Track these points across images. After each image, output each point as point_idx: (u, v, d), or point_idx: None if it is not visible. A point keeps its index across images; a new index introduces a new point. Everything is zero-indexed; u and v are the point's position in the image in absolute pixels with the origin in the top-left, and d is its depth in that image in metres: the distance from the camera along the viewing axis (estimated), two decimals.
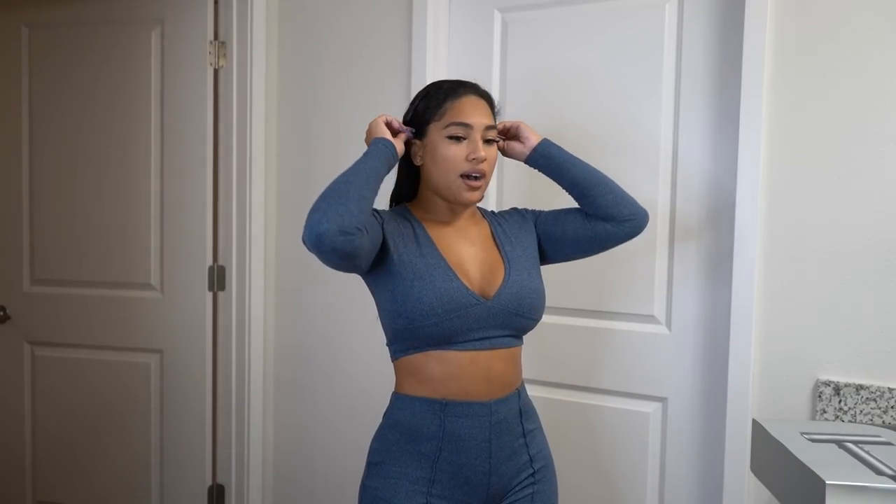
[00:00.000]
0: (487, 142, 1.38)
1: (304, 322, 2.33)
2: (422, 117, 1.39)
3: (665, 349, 1.86)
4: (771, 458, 1.22)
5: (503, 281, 1.39)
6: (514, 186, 2.03)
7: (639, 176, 1.87)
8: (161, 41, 2.33)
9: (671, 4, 1.83)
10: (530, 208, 1.57)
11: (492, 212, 1.57)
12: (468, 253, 1.41)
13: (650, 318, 1.88)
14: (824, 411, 1.63)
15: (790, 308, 1.67)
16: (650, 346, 1.87)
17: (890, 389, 1.58)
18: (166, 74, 2.33)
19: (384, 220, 1.37)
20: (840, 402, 1.62)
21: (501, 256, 1.44)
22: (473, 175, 1.36)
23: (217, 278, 2.34)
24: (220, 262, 2.34)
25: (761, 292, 1.70)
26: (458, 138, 1.35)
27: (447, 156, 1.35)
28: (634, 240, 1.89)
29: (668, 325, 1.87)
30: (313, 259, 2.39)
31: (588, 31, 1.92)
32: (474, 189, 1.37)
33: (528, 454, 1.40)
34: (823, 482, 0.99)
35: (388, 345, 1.42)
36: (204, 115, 2.30)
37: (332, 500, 2.30)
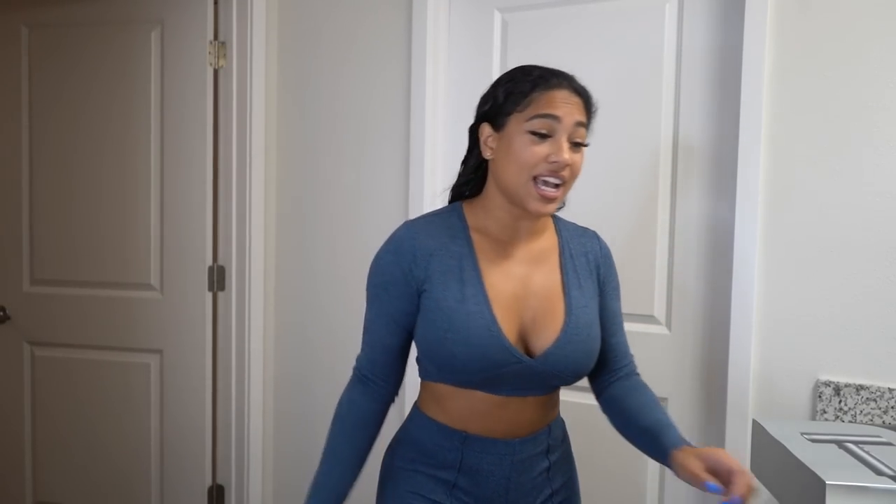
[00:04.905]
0: (575, 145, 1.16)
1: (304, 322, 2.32)
2: (502, 105, 1.18)
3: (665, 349, 1.86)
4: (771, 458, 1.22)
5: (558, 337, 1.19)
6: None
7: (638, 177, 1.87)
8: (161, 41, 2.33)
9: (671, 4, 1.83)
10: (608, 255, 1.33)
11: (572, 224, 1.33)
12: (522, 288, 1.20)
13: (650, 318, 1.88)
14: (824, 411, 1.63)
15: (790, 308, 1.67)
16: (650, 346, 1.87)
17: (890, 390, 1.57)
18: (166, 75, 2.33)
19: (417, 265, 1.19)
20: (840, 402, 1.62)
21: (564, 298, 1.22)
22: (551, 181, 1.14)
23: (217, 278, 2.34)
24: (220, 262, 2.34)
25: (761, 292, 1.70)
26: (541, 135, 1.13)
27: (524, 153, 1.14)
28: (634, 240, 1.89)
29: (668, 325, 1.86)
30: (313, 259, 2.39)
31: (588, 31, 1.92)
32: (548, 200, 1.14)
33: (551, 488, 1.28)
34: (823, 482, 0.99)
35: (416, 360, 1.28)
36: (204, 115, 2.29)
37: None
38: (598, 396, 1.33)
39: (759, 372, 1.70)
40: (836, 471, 1.03)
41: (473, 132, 1.25)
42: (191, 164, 2.32)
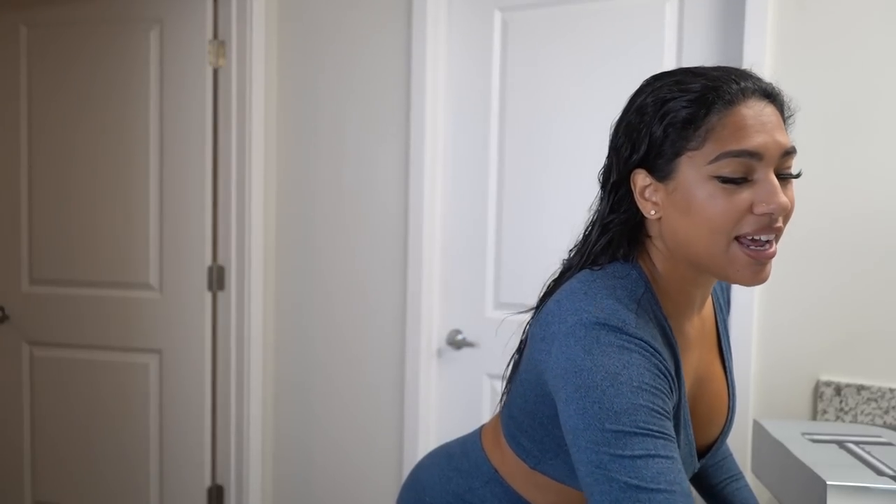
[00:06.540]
0: (782, 177, 0.80)
1: (303, 322, 2.32)
2: (663, 144, 0.82)
3: None
4: (772, 459, 1.22)
5: (722, 430, 0.98)
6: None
7: None
8: (160, 40, 2.33)
9: (671, 4, 1.83)
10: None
11: None
12: (698, 384, 0.92)
13: None
14: (825, 412, 1.63)
15: (790, 308, 1.67)
16: None
17: (891, 390, 1.57)
18: (165, 74, 2.33)
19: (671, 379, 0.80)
20: (841, 402, 1.61)
21: (725, 376, 0.98)
22: (763, 239, 0.80)
23: (216, 278, 2.34)
24: (220, 262, 2.34)
25: (761, 292, 1.69)
26: (734, 181, 0.78)
27: (714, 210, 0.78)
28: None
29: None
30: (313, 259, 2.39)
31: (588, 30, 1.92)
32: (763, 263, 0.80)
33: None
34: (824, 482, 0.99)
35: (517, 434, 0.95)
36: (203, 115, 2.29)
37: (331, 500, 2.30)
38: None
39: (759, 372, 1.70)
40: (836, 471, 1.03)
41: (614, 178, 0.89)
42: (190, 163, 2.31)
